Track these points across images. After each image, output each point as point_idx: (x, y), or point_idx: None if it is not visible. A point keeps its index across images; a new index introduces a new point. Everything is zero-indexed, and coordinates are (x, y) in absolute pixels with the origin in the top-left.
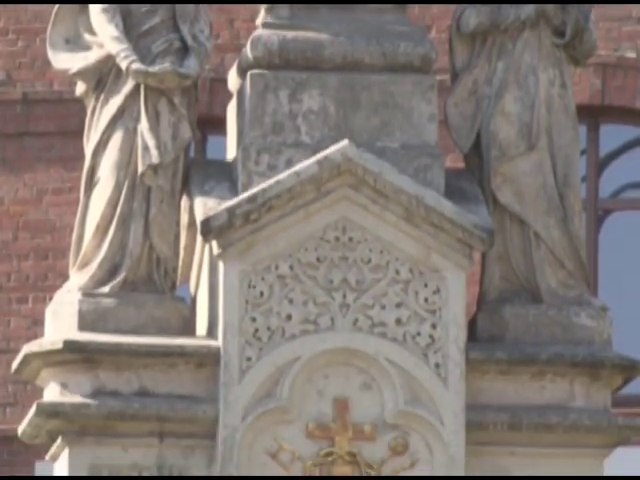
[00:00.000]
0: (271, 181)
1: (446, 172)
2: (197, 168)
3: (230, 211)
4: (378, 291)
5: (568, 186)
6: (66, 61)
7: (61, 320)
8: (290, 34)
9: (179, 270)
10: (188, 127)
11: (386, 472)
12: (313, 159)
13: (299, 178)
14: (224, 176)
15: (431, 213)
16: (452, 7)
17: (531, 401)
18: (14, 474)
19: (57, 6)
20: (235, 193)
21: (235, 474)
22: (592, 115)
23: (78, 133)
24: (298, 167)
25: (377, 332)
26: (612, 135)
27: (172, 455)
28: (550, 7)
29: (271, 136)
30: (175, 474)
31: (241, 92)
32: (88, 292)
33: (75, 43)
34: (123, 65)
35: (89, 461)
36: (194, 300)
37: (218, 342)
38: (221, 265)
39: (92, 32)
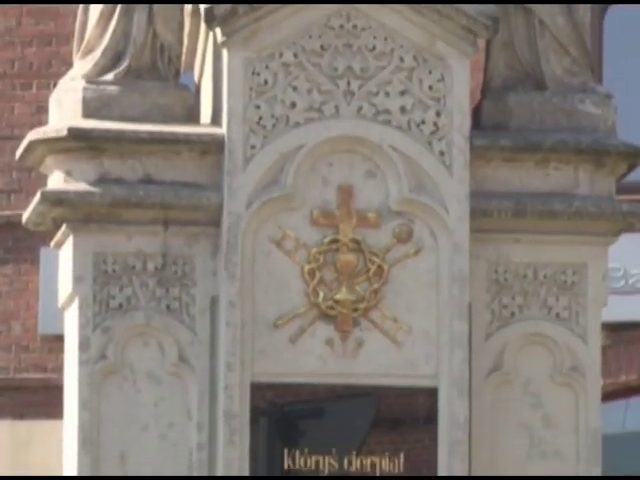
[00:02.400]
0: None
1: None
2: None
3: None
4: (382, 79)
5: None
6: None
7: (65, 108)
8: None
9: (183, 57)
10: None
11: (391, 260)
12: None
13: None
14: None
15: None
16: None
17: (535, 188)
18: (19, 261)
19: None
20: None
21: (239, 262)
22: None
23: None
24: None
25: (381, 120)
26: None
27: (176, 243)
28: None
29: None
30: (179, 263)
31: None
32: (92, 80)
33: None
34: None
35: (93, 248)
36: (198, 88)
37: (222, 130)
38: (225, 53)
39: None
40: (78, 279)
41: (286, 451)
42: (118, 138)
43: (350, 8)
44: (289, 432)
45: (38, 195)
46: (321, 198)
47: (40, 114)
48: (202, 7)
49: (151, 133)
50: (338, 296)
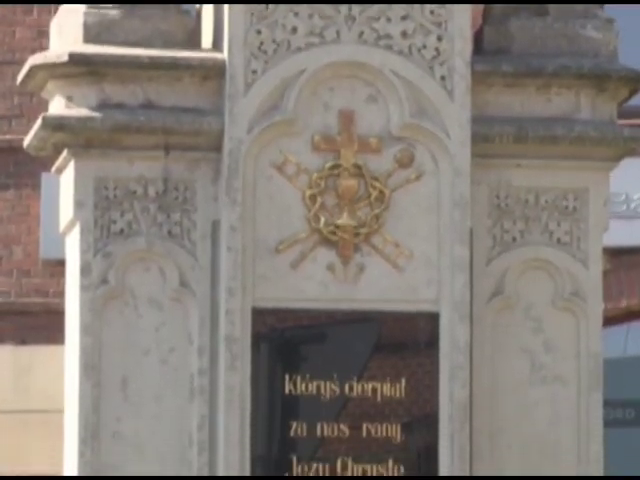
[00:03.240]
0: None
1: None
2: None
3: None
4: (383, 4)
5: None
6: None
7: (66, 33)
8: None
9: None
10: None
11: (392, 185)
12: None
13: None
14: None
15: None
16: None
17: (537, 113)
18: (20, 186)
19: None
20: None
21: (240, 187)
22: None
23: None
24: None
25: (382, 45)
26: None
27: (177, 168)
28: None
29: None
30: (181, 188)
31: None
32: (93, 5)
33: None
34: None
35: (95, 173)
36: (199, 13)
37: (223, 55)
38: None
39: None
40: (79, 204)
41: (287, 376)
42: (119, 63)
43: None
44: (290, 357)
45: (39, 120)
46: (322, 123)
47: (41, 38)
48: None
49: (152, 58)
50: (339, 221)
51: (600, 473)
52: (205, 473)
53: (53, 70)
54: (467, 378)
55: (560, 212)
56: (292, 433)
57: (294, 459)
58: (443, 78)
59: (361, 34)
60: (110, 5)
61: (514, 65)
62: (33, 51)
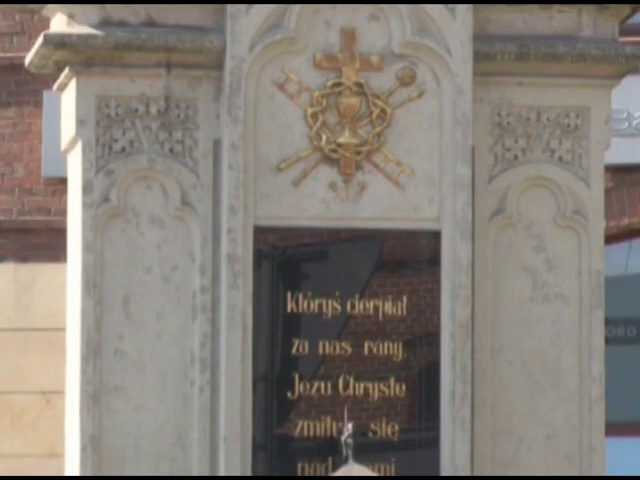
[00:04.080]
0: None
1: None
2: None
3: None
4: None
5: None
6: None
7: None
8: None
9: None
10: None
11: (394, 103)
12: None
13: None
14: None
15: None
16: None
17: (539, 31)
18: (22, 103)
19: None
20: None
21: (242, 105)
22: None
23: None
24: None
25: None
26: None
27: (179, 86)
28: None
29: None
30: (182, 106)
31: None
32: None
33: None
34: None
35: (96, 91)
36: None
37: None
38: None
39: None
40: (81, 122)
41: (289, 294)
42: None
43: None
44: (292, 275)
45: (40, 38)
46: (324, 41)
47: None
48: None
49: None
50: (341, 139)
51: (602, 391)
52: (207, 392)
53: None
54: (469, 296)
55: (562, 130)
56: (294, 351)
57: (296, 377)
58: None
59: None
60: None
61: None
62: None
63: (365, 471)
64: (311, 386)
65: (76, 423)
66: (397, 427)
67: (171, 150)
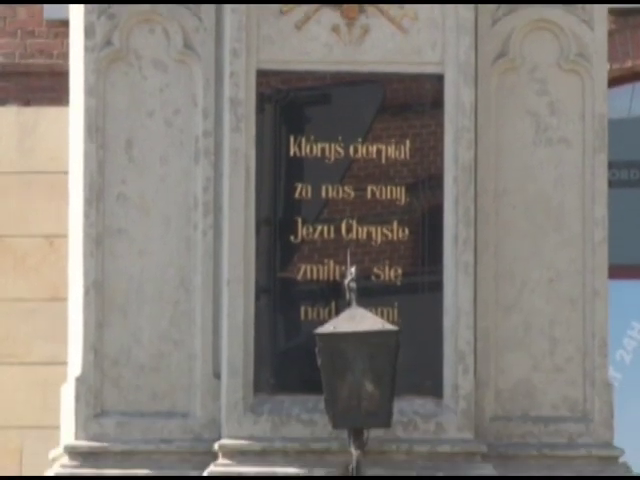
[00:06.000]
0: None
1: None
2: None
3: None
4: None
5: None
6: None
7: None
8: None
9: None
10: None
11: None
12: None
13: None
14: None
15: None
16: None
17: None
18: None
19: None
20: None
21: None
22: None
23: None
24: None
25: None
26: None
27: None
28: None
29: None
30: None
31: None
32: None
33: None
34: None
35: None
36: None
37: None
38: None
39: None
40: None
41: (292, 138)
42: None
43: None
44: (295, 119)
45: None
46: None
47: None
48: None
49: None
50: None
51: (604, 234)
52: (210, 236)
53: None
54: (472, 140)
55: None
56: (297, 195)
57: (299, 221)
58: None
59: None
60: None
61: None
62: None
63: (368, 314)
64: (314, 230)
65: (79, 267)
66: (400, 271)
67: None
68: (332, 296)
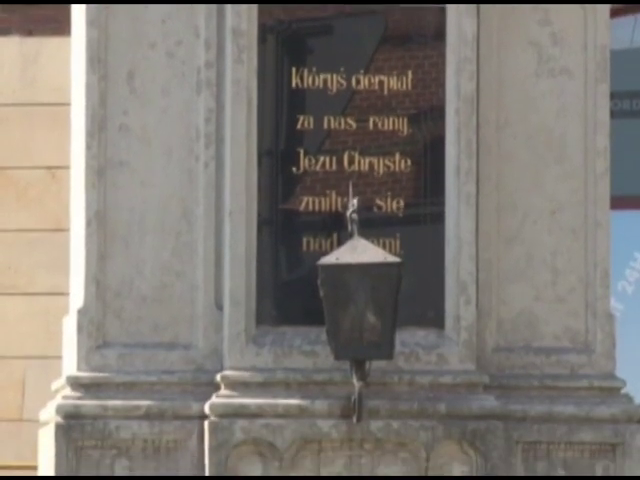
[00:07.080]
0: None
1: None
2: None
3: None
4: None
5: None
6: None
7: None
8: None
9: None
10: None
11: None
12: None
13: None
14: None
15: None
16: None
17: None
18: None
19: None
20: None
21: None
22: None
23: None
24: None
25: None
26: None
27: None
28: None
29: None
30: None
31: None
32: None
33: None
34: None
35: None
36: None
37: None
38: None
39: None
40: None
41: (294, 69)
42: None
43: None
44: (297, 50)
45: None
46: None
47: None
48: None
49: None
50: None
51: (607, 165)
52: (212, 167)
53: None
54: (474, 71)
55: None
56: (299, 126)
57: (301, 152)
58: None
59: None
60: None
61: None
62: None
63: (370, 246)
64: (316, 161)
65: (81, 198)
66: (402, 202)
67: None
68: (334, 228)
